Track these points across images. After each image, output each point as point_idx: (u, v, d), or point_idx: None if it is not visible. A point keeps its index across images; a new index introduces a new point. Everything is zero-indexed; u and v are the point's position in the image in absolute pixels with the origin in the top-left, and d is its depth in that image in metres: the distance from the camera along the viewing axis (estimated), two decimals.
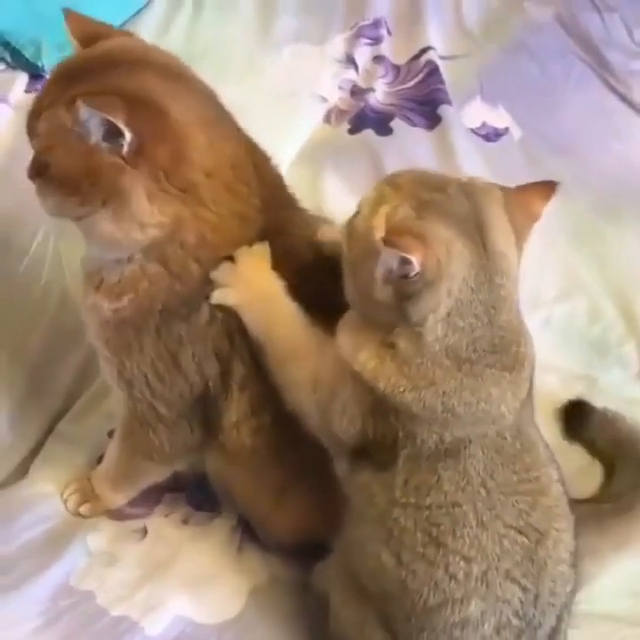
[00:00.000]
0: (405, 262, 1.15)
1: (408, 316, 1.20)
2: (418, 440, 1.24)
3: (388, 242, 1.15)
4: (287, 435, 1.41)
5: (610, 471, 1.72)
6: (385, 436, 1.26)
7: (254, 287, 1.35)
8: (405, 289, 1.18)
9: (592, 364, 1.93)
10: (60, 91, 1.31)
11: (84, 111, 1.23)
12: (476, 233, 1.20)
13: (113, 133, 1.24)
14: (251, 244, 1.36)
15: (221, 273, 1.35)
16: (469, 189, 1.24)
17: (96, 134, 1.25)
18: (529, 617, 1.30)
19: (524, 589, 1.28)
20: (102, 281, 1.39)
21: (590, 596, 1.47)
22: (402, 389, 1.22)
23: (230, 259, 1.35)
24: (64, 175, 1.29)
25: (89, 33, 1.37)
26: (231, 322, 1.37)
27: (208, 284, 1.35)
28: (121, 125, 1.23)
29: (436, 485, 1.25)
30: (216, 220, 1.33)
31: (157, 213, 1.29)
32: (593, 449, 1.76)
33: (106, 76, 1.29)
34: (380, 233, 1.19)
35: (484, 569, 1.26)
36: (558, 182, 1.29)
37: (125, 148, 1.25)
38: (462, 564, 1.26)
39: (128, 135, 1.24)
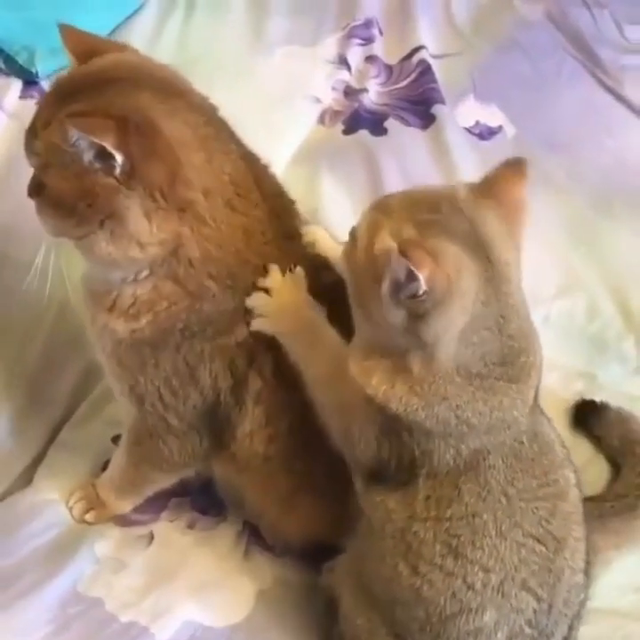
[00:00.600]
0: (412, 278, 1.13)
1: (421, 337, 1.19)
2: (435, 457, 1.25)
3: (401, 252, 1.13)
4: (300, 441, 1.42)
5: (616, 470, 1.74)
6: (401, 457, 1.27)
7: (291, 315, 1.34)
8: (417, 309, 1.16)
9: (591, 360, 1.94)
10: (55, 109, 1.30)
11: (73, 133, 1.23)
12: (479, 246, 1.20)
13: (104, 155, 1.24)
14: (260, 254, 1.36)
15: (257, 302, 1.35)
16: (461, 204, 1.22)
17: (88, 156, 1.25)
18: (542, 626, 1.30)
19: (539, 600, 1.29)
20: (114, 302, 1.38)
21: (594, 592, 1.46)
22: (414, 408, 1.22)
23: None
24: (60, 196, 1.29)
25: (86, 48, 1.37)
26: (253, 341, 1.37)
27: (241, 309, 1.36)
28: (111, 148, 1.22)
29: (457, 498, 1.26)
30: (218, 235, 1.33)
31: (157, 231, 1.29)
32: (601, 446, 1.78)
33: (100, 95, 1.28)
34: (384, 246, 1.16)
35: (501, 579, 1.27)
36: (524, 159, 1.28)
37: (118, 170, 1.24)
38: (480, 574, 1.26)
39: (119, 157, 1.23)
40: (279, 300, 1.34)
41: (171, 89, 1.33)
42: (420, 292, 1.14)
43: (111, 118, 1.23)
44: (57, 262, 1.40)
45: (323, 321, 1.34)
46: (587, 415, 1.80)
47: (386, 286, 1.16)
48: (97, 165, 1.25)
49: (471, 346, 1.20)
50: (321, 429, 1.35)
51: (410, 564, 1.29)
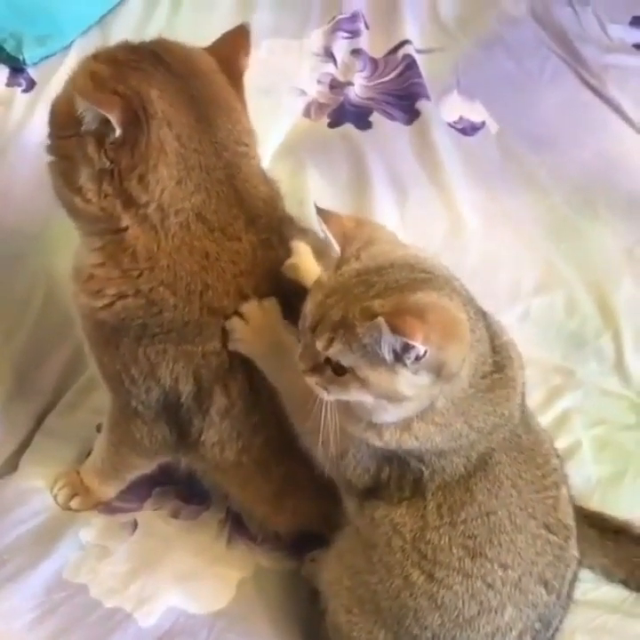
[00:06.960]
0: (409, 347, 1.11)
1: (448, 377, 1.17)
2: (447, 471, 1.25)
3: (390, 327, 1.10)
4: (278, 451, 1.44)
5: None
6: (403, 477, 1.27)
7: (266, 341, 1.35)
8: (434, 364, 1.14)
9: (570, 356, 1.95)
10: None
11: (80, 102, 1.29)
12: (426, 273, 1.19)
13: (105, 123, 1.29)
14: (231, 283, 1.37)
15: (234, 327, 1.36)
16: (365, 252, 1.21)
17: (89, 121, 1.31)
18: (548, 619, 1.32)
19: (551, 592, 1.30)
20: (79, 272, 1.42)
21: None
22: (432, 436, 1.22)
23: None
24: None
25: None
26: (222, 359, 1.39)
27: (209, 324, 1.37)
28: (114, 122, 1.28)
29: (469, 500, 1.26)
30: (168, 247, 1.35)
31: (102, 197, 1.33)
32: None
33: (155, 72, 1.34)
34: (370, 328, 1.13)
35: (519, 574, 1.28)
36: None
37: (111, 138, 1.29)
38: (500, 571, 1.27)
39: (118, 131, 1.29)
40: (253, 325, 1.36)
41: (208, 109, 1.38)
42: (422, 353, 1.12)
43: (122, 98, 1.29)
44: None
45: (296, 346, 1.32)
46: None
47: (390, 359, 1.13)
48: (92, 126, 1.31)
49: (475, 351, 1.20)
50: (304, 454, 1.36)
51: (425, 573, 1.28)
